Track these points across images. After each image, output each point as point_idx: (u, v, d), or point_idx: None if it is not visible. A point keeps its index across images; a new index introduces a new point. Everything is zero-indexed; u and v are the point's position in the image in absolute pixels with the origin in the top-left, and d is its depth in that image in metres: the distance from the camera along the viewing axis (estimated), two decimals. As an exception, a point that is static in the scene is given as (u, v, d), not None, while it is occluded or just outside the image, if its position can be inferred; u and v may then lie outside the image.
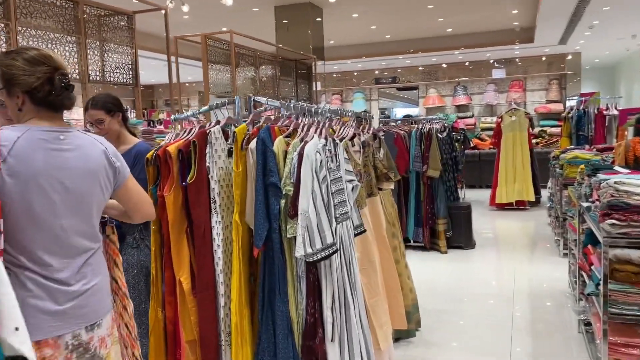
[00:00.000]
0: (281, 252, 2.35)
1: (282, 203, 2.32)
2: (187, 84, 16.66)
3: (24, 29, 3.82)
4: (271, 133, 2.38)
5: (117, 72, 4.79)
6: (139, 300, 2.81)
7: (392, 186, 3.35)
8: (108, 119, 2.81)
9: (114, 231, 2.14)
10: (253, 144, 2.35)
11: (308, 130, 2.50)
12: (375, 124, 7.11)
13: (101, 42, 4.62)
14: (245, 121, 2.53)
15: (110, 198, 1.94)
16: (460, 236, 6.40)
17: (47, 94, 1.68)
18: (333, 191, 2.43)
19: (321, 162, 2.34)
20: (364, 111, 12.18)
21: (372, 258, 3.04)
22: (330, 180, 2.42)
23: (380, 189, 3.30)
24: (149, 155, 2.47)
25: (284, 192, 2.32)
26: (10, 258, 1.62)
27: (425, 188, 6.13)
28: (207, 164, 2.42)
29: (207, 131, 2.43)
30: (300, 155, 2.31)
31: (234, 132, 2.38)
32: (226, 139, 2.51)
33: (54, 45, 4.08)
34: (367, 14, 10.23)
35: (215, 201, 2.42)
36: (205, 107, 2.64)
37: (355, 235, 2.73)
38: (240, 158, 2.40)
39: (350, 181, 2.65)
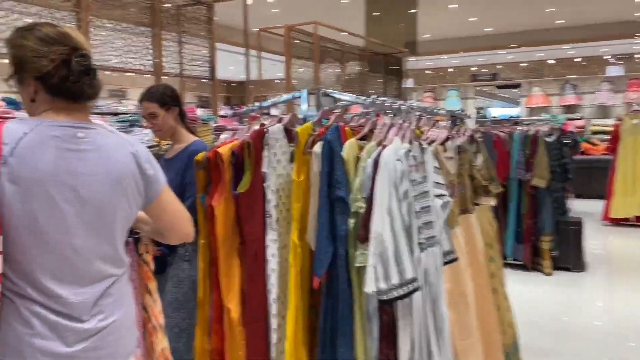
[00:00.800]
0: (347, 284, 1.88)
1: (351, 223, 1.85)
2: (277, 81, 16.63)
3: (95, 19, 3.65)
4: (341, 134, 1.91)
5: (193, 65, 4.55)
6: (189, 322, 2.46)
7: (492, 202, 2.76)
8: (163, 113, 2.48)
9: (149, 249, 1.78)
10: (318, 148, 1.90)
11: (388, 131, 2.00)
12: (471, 124, 6.42)
13: (179, 34, 4.40)
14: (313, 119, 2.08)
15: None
16: (568, 256, 5.55)
17: (63, 80, 1.33)
18: (417, 210, 1.92)
19: (403, 172, 1.83)
20: (460, 110, 11.34)
21: (465, 290, 2.48)
22: (414, 196, 1.91)
23: (476, 204, 2.72)
24: (198, 157, 2.10)
25: (353, 209, 1.84)
26: (10, 285, 1.29)
27: (528, 199, 5.37)
28: (264, 170, 2.00)
29: (265, 130, 2.01)
30: (376, 163, 1.82)
31: (296, 132, 1.94)
32: (290, 141, 2.08)
33: (128, 36, 3.90)
34: (466, 5, 9.45)
35: (270, 215, 2.00)
36: (267, 102, 2.22)
37: (445, 263, 2.19)
38: (303, 164, 1.96)
39: (440, 196, 2.12)
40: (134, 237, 1.75)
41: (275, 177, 2.00)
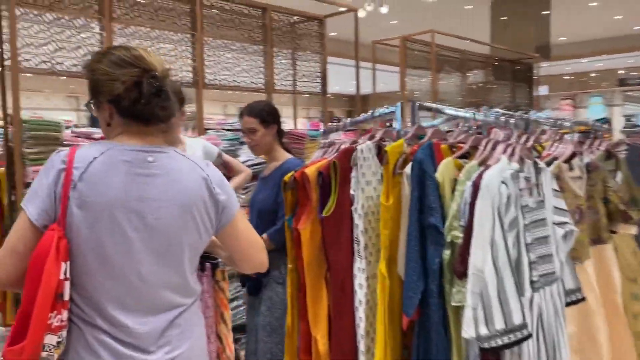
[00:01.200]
0: (442, 326, 1.64)
1: (446, 255, 1.61)
2: (398, 93, 16.38)
3: (210, 39, 3.77)
4: (434, 152, 1.68)
5: (305, 81, 4.54)
6: (281, 348, 2.36)
7: (632, 230, 2.30)
8: (262, 130, 2.44)
9: (225, 276, 1.70)
10: (409, 168, 1.69)
11: (494, 148, 1.72)
12: (617, 135, 5.67)
13: (291, 50, 4.42)
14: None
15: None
16: None
17: (134, 102, 1.30)
18: (529, 241, 1.62)
19: (509, 197, 1.55)
20: (602, 119, 10.15)
21: (596, 335, 2.08)
22: (525, 225, 1.61)
23: (613, 232, 2.29)
24: (286, 177, 1.99)
25: (448, 239, 1.60)
26: (78, 311, 1.27)
27: (687, 222, 4.55)
28: (352, 192, 1.83)
29: (354, 148, 1.84)
30: (476, 187, 1.56)
31: (385, 150, 1.75)
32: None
33: (240, 55, 3.98)
34: (609, 2, 8.47)
35: (358, 241, 1.82)
36: (360, 117, 2.06)
37: (568, 304, 1.84)
38: (393, 186, 1.75)
39: (562, 224, 1.78)
40: (211, 263, 1.68)
41: (364, 200, 1.82)
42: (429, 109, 1.89)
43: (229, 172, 2.80)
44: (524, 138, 1.82)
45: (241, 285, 2.46)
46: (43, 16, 2.88)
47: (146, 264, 1.29)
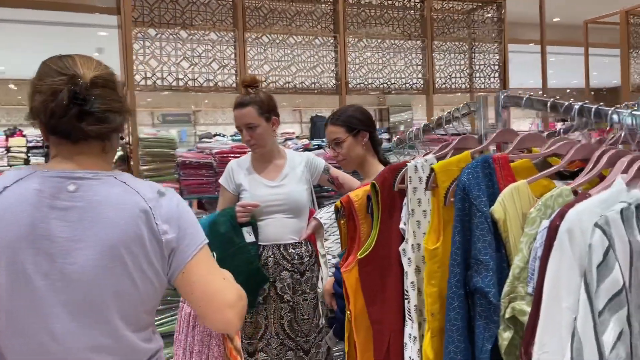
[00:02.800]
0: None
1: (504, 338, 0.99)
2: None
3: (355, 40, 3.44)
4: (495, 172, 1.06)
5: (478, 77, 3.87)
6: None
7: None
8: (349, 140, 2.01)
9: (240, 332, 1.37)
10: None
11: (612, 164, 1.02)
12: None
13: (467, 42, 3.82)
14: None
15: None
16: None
17: (50, 116, 1.04)
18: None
19: (607, 253, 0.87)
20: None
21: None
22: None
23: None
24: (338, 203, 1.56)
25: (507, 314, 0.98)
26: None
27: None
28: (401, 227, 1.32)
29: (404, 164, 1.32)
30: (552, 232, 0.92)
31: (432, 168, 1.19)
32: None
33: (391, 54, 3.56)
34: None
35: (408, 297, 1.29)
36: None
37: None
38: (445, 222, 1.18)
39: None
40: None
41: (419, 239, 1.28)
42: (518, 102, 1.24)
43: (337, 188, 2.43)
44: None
45: (327, 326, 2.07)
46: (177, 34, 2.95)
47: (60, 320, 1.02)
